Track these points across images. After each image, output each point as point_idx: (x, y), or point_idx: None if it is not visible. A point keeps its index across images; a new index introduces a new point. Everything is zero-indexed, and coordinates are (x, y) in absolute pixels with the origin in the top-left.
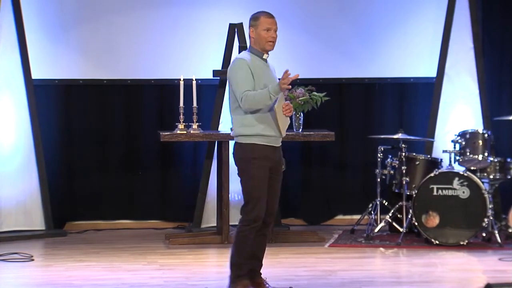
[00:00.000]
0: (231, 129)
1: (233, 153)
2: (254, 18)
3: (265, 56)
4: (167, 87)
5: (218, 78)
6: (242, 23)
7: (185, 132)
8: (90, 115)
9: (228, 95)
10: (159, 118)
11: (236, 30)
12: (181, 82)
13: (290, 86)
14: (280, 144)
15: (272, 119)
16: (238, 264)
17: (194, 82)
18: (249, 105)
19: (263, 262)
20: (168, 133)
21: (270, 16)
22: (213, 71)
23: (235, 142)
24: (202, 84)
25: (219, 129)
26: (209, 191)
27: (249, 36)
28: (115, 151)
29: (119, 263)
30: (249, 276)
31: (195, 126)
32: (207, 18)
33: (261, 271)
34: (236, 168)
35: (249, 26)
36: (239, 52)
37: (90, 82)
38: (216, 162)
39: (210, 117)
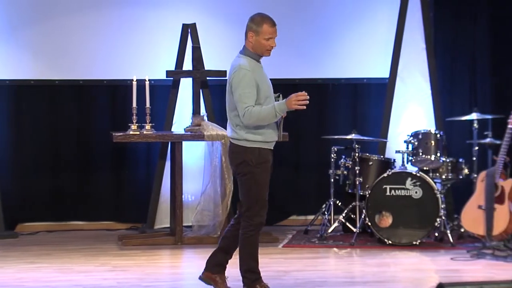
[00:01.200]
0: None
1: (231, 155)
2: (257, 23)
3: (260, 59)
4: (120, 88)
5: (171, 78)
6: (195, 23)
7: (138, 132)
8: (42, 116)
9: (227, 97)
10: (112, 119)
11: (189, 30)
12: (134, 83)
13: (304, 107)
14: None
15: (275, 124)
16: (253, 268)
17: (147, 82)
18: (253, 122)
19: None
20: (120, 133)
21: (273, 24)
22: (166, 71)
23: (236, 145)
24: (155, 85)
25: (172, 130)
26: (162, 192)
27: (246, 38)
28: (67, 152)
29: (71, 264)
30: (215, 270)
31: (148, 126)
32: (160, 18)
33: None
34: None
35: (249, 29)
36: (193, 53)
37: (41, 83)
38: (170, 163)
39: (163, 118)
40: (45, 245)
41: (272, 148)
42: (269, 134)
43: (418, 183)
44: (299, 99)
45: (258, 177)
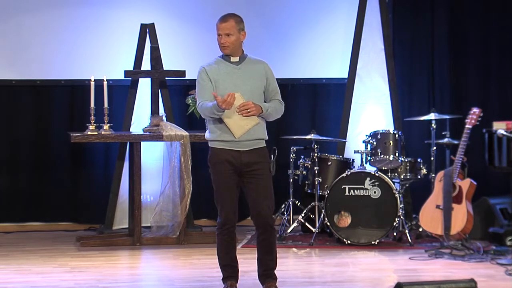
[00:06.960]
0: None
1: None
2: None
3: (233, 60)
4: (78, 88)
5: (130, 78)
6: (153, 23)
7: (96, 133)
8: None
9: None
10: (69, 119)
11: (147, 30)
12: (92, 83)
13: (230, 108)
14: (255, 147)
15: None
16: (220, 266)
17: (105, 82)
18: (203, 115)
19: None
20: (78, 134)
21: (220, 20)
22: (125, 71)
23: None
24: (114, 85)
25: (131, 130)
26: (120, 192)
27: None
28: (25, 153)
29: (29, 265)
30: (260, 280)
31: (106, 127)
32: (118, 18)
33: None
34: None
35: None
36: (151, 53)
37: None
38: (128, 163)
39: (122, 118)
40: (2, 246)
41: (235, 149)
42: (220, 134)
43: (376, 183)
44: (223, 101)
45: (213, 177)
